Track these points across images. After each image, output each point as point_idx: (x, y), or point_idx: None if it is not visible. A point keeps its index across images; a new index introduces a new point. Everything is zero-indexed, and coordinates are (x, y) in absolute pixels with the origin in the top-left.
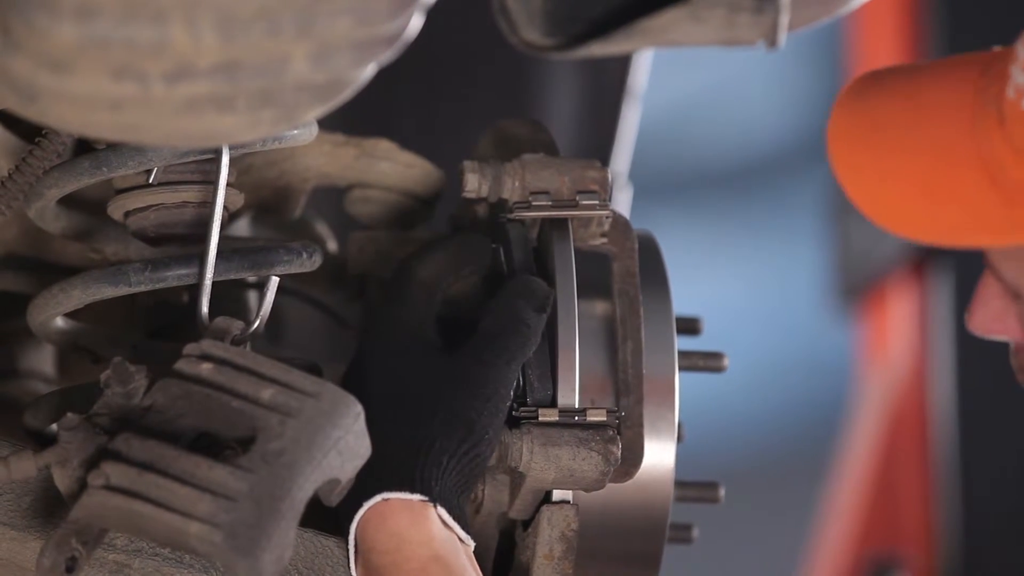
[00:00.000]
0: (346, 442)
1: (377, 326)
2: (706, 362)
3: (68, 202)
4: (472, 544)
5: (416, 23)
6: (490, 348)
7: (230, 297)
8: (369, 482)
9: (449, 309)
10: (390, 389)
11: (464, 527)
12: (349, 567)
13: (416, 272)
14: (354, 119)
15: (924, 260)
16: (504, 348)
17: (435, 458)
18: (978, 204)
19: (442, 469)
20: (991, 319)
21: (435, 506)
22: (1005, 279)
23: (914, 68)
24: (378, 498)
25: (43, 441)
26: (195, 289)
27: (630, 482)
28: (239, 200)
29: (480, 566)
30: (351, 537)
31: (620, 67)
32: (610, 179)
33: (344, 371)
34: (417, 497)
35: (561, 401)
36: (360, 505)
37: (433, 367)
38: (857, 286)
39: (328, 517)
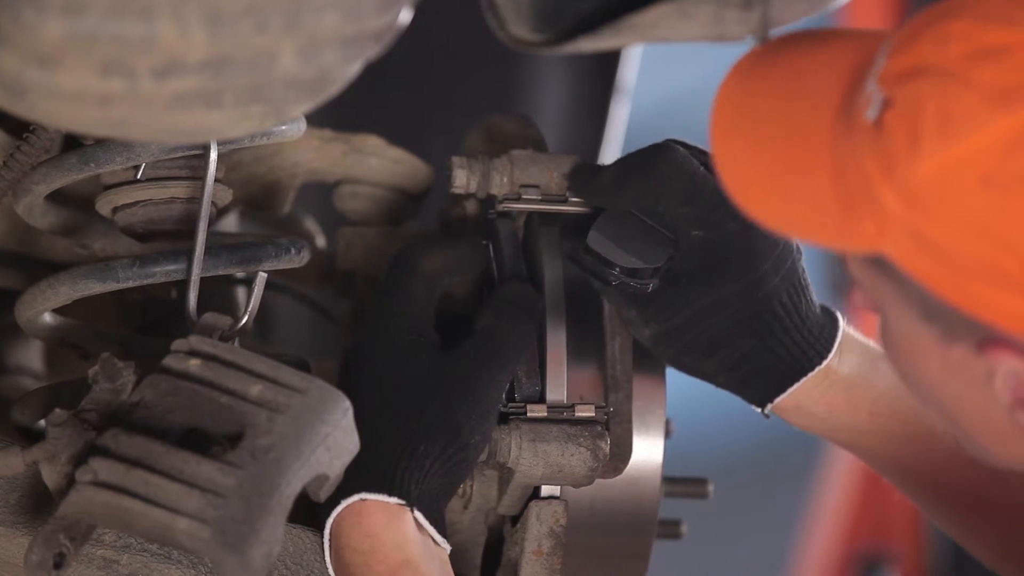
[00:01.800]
0: (334, 438)
1: (376, 316)
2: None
3: (56, 198)
4: (448, 548)
5: (404, 18)
6: (485, 352)
7: (218, 293)
8: (350, 479)
9: (442, 303)
10: (382, 386)
11: (442, 531)
12: (325, 558)
13: (420, 265)
14: (343, 115)
15: None
16: (498, 354)
17: (418, 461)
18: (821, 201)
19: (424, 472)
20: (859, 301)
21: (412, 510)
22: (849, 272)
23: (808, 40)
24: (355, 497)
25: (31, 437)
26: (183, 285)
27: (619, 478)
28: (227, 196)
29: (468, 562)
30: (327, 531)
31: (609, 63)
32: None
33: (342, 362)
34: (394, 500)
35: (550, 397)
36: (338, 502)
37: (426, 367)
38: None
39: (316, 513)
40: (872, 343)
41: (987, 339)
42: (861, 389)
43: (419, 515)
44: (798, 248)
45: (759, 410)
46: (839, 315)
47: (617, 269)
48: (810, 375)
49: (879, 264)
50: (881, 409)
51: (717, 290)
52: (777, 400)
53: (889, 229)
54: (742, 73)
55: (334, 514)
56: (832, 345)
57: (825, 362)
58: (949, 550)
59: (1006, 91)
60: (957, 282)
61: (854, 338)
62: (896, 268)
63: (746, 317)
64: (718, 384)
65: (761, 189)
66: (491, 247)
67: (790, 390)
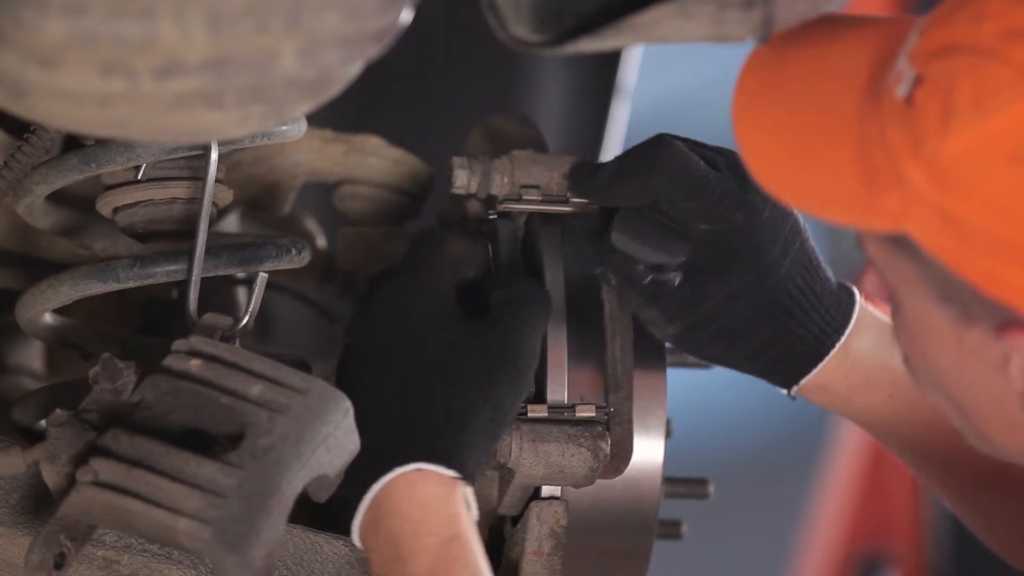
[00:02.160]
0: (335, 438)
1: (406, 289)
2: (695, 358)
3: (57, 198)
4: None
5: (405, 19)
6: (516, 316)
7: (219, 293)
8: (401, 447)
9: None
10: (427, 356)
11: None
12: (352, 523)
13: (446, 246)
14: (343, 115)
15: None
16: (530, 316)
17: (468, 435)
18: (843, 176)
19: (474, 447)
20: (871, 286)
21: (465, 485)
22: (865, 253)
23: (838, 21)
24: (413, 466)
25: (32, 437)
26: (184, 285)
27: (619, 478)
28: (228, 196)
29: None
30: (370, 495)
31: (609, 63)
32: None
33: (355, 333)
34: (451, 473)
35: (550, 397)
36: (390, 468)
37: (466, 337)
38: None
39: (318, 514)
40: (887, 321)
41: (1006, 322)
42: (880, 369)
43: (469, 491)
44: (804, 227)
45: (786, 392)
46: (856, 290)
47: (641, 266)
48: (832, 353)
49: (899, 243)
50: (900, 390)
51: (732, 281)
52: (802, 381)
53: (913, 206)
54: (768, 48)
55: (385, 480)
56: (850, 319)
57: (844, 337)
58: (950, 550)
59: None
60: (979, 262)
61: (872, 316)
62: (917, 247)
63: (764, 304)
64: (744, 371)
65: (781, 161)
66: (490, 247)
67: (814, 371)
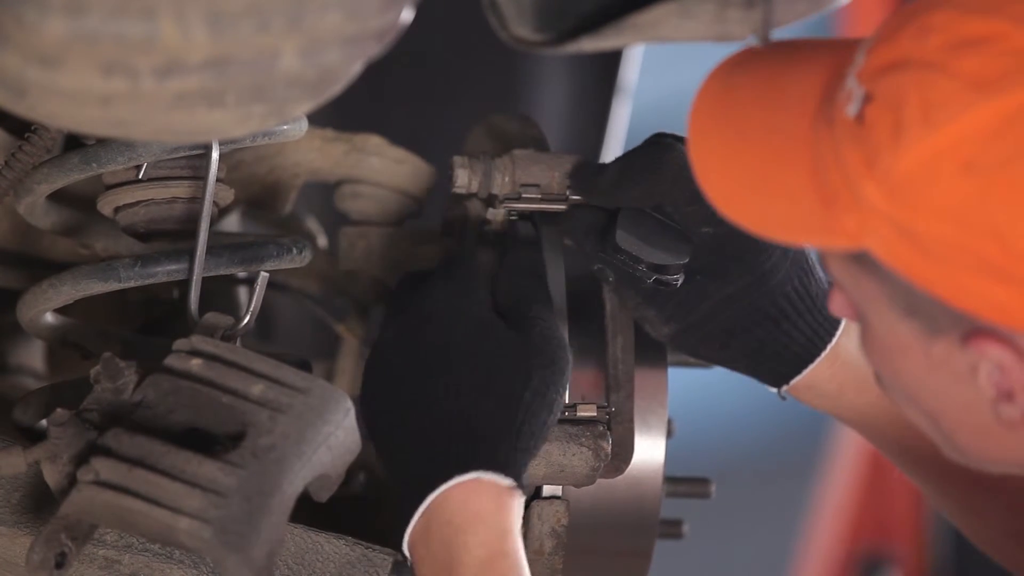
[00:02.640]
0: (336, 438)
1: (447, 294)
2: (696, 358)
3: (58, 197)
4: None
5: (406, 18)
6: (548, 318)
7: (220, 293)
8: (461, 455)
9: None
10: (480, 362)
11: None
12: (406, 526)
13: (479, 255)
14: (344, 114)
15: None
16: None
17: (524, 443)
18: (800, 200)
19: (526, 454)
20: (837, 307)
21: (519, 496)
22: (829, 272)
23: (787, 46)
24: (472, 475)
25: (33, 437)
26: (185, 285)
27: (620, 478)
28: (229, 196)
29: None
30: (426, 503)
31: (610, 62)
32: None
33: (391, 337)
34: (509, 482)
35: None
36: (450, 476)
37: (513, 343)
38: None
39: (319, 513)
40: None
41: (971, 331)
42: (868, 369)
43: (521, 503)
44: None
45: (775, 391)
46: None
47: (644, 266)
48: (824, 354)
49: (860, 261)
50: None
51: (732, 283)
52: (793, 381)
53: (871, 223)
54: (720, 78)
55: (443, 488)
56: (841, 321)
57: (835, 339)
58: (951, 550)
59: (987, 79)
60: (940, 273)
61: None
62: (878, 263)
63: (761, 306)
64: (735, 369)
65: (739, 190)
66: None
67: (805, 371)
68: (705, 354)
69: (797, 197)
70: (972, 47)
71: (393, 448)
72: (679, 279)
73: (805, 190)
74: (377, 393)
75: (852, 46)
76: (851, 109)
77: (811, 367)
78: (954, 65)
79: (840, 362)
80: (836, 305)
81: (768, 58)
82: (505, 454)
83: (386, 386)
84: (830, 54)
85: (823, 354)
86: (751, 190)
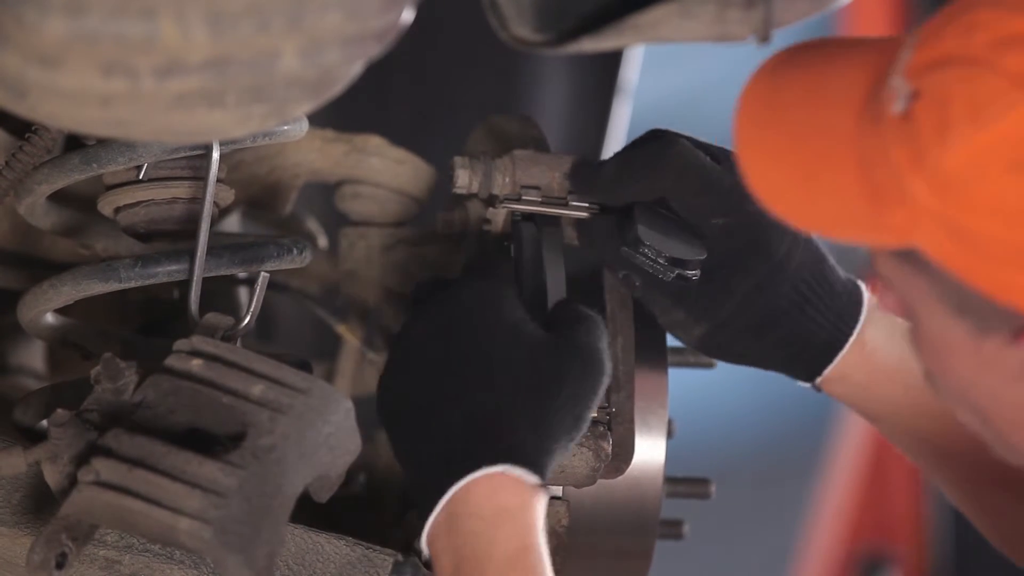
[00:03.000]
0: (336, 438)
1: (482, 298)
2: (697, 359)
3: (58, 198)
4: None
5: (406, 18)
6: (586, 322)
7: (220, 293)
8: (487, 449)
9: None
10: (510, 360)
11: None
12: (427, 517)
13: (502, 264)
14: (345, 115)
15: None
16: (603, 331)
17: (550, 445)
18: (848, 197)
19: (552, 455)
20: (887, 305)
21: (544, 494)
22: (879, 271)
23: (832, 44)
24: (499, 468)
25: (33, 437)
26: (185, 285)
27: (621, 478)
28: (229, 196)
29: None
30: (449, 494)
31: (610, 63)
32: None
33: (425, 310)
34: (535, 479)
35: None
36: (475, 467)
37: (547, 344)
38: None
39: (319, 513)
40: (898, 317)
41: (1021, 328)
42: (896, 359)
43: (545, 501)
44: None
45: (809, 386)
46: (860, 282)
47: (665, 260)
48: (851, 341)
49: (909, 258)
50: (916, 381)
51: (754, 272)
52: (825, 372)
53: (920, 220)
54: (766, 75)
55: (468, 479)
56: (861, 308)
57: (859, 324)
58: (951, 550)
59: None
60: (989, 270)
61: (880, 308)
62: (927, 260)
63: (785, 292)
64: (769, 366)
65: (787, 188)
66: (511, 249)
67: (836, 359)
68: (739, 352)
69: (845, 195)
70: (1018, 44)
71: (415, 439)
72: (697, 274)
73: (853, 188)
74: (401, 385)
75: (896, 43)
76: (897, 106)
77: (841, 354)
78: (1000, 62)
79: (867, 351)
80: (886, 304)
81: (812, 56)
82: (533, 451)
83: (412, 379)
84: (874, 51)
85: (851, 340)
86: (798, 188)
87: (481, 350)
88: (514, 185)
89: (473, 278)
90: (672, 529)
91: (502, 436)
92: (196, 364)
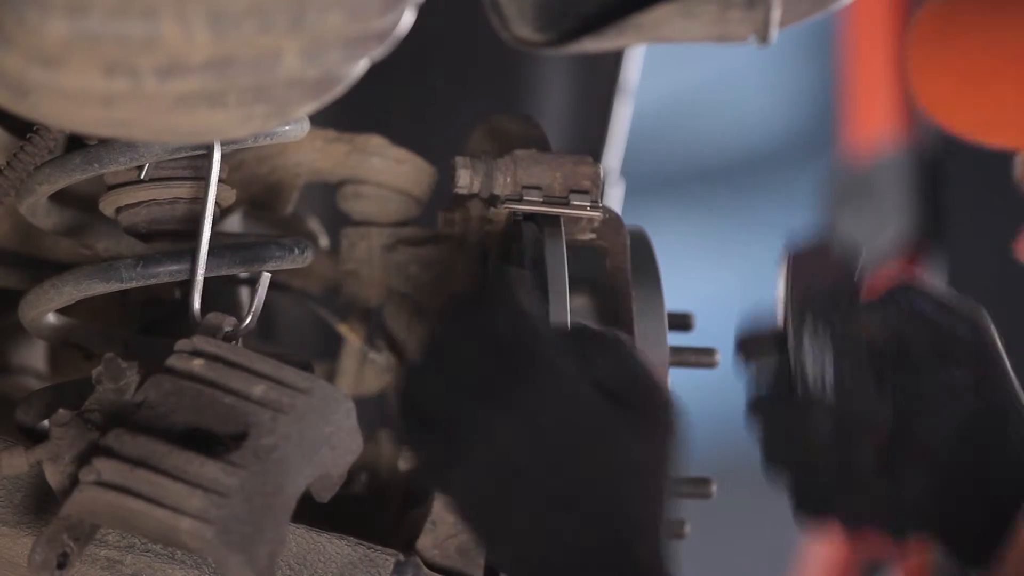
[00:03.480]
0: (338, 438)
1: (545, 371)
2: (698, 358)
3: (59, 198)
4: None
5: (408, 19)
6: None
7: (222, 293)
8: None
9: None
10: (594, 448)
11: None
12: None
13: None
14: (346, 115)
15: (917, 253)
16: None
17: (665, 545)
18: (1008, 107)
19: (671, 559)
20: None
21: None
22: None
23: None
24: None
25: (34, 437)
26: (187, 285)
27: None
28: (231, 196)
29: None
30: None
31: (612, 63)
32: (602, 175)
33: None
34: None
35: None
36: None
37: (620, 419)
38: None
39: (320, 513)
40: None
41: None
42: None
43: None
44: None
45: None
46: None
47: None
48: None
49: None
50: None
51: None
52: None
53: None
54: (939, 4)
55: None
56: None
57: None
58: None
59: None
60: None
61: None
62: None
63: None
64: None
65: (951, 96)
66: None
67: None
68: None
69: (1006, 102)
70: None
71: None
72: None
73: (1014, 97)
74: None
75: None
76: None
77: None
78: None
79: None
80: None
81: None
82: (660, 563)
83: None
84: None
85: None
86: (961, 96)
87: (558, 448)
88: (515, 185)
89: (527, 327)
90: (672, 529)
91: (628, 554)
92: (198, 364)
